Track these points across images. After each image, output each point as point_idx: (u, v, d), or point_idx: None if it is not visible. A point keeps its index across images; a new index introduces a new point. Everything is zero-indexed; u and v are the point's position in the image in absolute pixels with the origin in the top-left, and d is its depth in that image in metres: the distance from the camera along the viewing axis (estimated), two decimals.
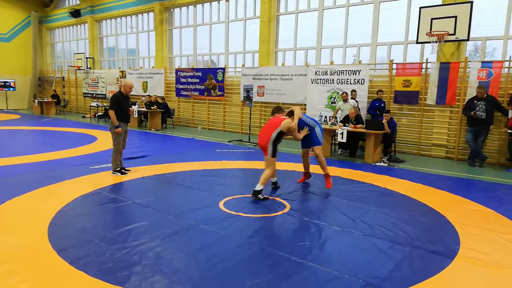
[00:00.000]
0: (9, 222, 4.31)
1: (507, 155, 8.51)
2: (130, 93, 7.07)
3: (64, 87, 21.57)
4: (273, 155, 5.57)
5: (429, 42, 9.39)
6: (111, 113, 6.58)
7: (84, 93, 20.13)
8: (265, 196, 5.48)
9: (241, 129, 13.47)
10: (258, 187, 5.43)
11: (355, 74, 10.49)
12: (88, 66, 19.56)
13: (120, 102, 6.65)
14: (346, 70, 10.70)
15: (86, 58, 19.59)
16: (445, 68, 9.25)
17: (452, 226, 4.60)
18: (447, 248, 3.94)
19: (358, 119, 9.30)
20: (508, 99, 8.41)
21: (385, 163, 8.53)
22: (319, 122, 9.49)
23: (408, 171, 7.86)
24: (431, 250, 3.89)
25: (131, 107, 6.90)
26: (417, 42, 9.64)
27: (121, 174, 6.69)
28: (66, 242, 3.80)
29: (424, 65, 9.69)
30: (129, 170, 6.94)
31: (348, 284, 3.13)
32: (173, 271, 3.26)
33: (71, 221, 4.40)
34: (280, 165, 7.96)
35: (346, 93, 9.92)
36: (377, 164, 8.48)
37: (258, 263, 3.48)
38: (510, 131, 8.10)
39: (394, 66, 10.13)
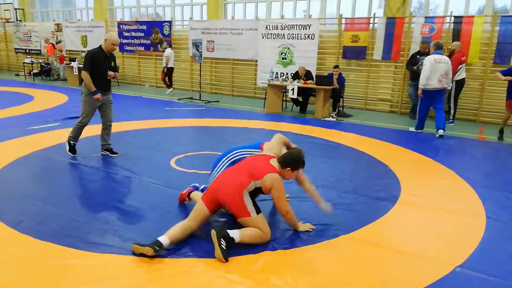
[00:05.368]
0: None
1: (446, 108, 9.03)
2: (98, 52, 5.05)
3: None
4: (258, 211, 3.12)
5: None
6: (84, 74, 4.94)
7: (15, 48, 18.30)
8: None
9: (192, 87, 13.10)
10: None
11: (306, 29, 10.42)
12: (18, 19, 17.70)
13: (97, 62, 4.97)
14: (296, 25, 10.58)
15: (15, 9, 17.66)
16: (391, 24, 9.43)
17: (394, 174, 4.90)
18: (390, 194, 4.21)
19: (308, 75, 9.38)
20: (448, 54, 8.80)
21: (334, 118, 8.77)
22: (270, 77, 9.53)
23: (355, 125, 8.15)
24: (376, 197, 4.14)
25: (113, 71, 5.19)
26: None
27: (111, 154, 5.35)
28: (7, 205, 3.57)
29: (371, 20, 9.82)
30: (117, 153, 5.39)
31: (295, 236, 3.25)
32: (124, 228, 3.21)
33: (11, 184, 4.14)
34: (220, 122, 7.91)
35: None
36: (326, 119, 8.70)
37: None
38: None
39: (343, 21, 10.17)
